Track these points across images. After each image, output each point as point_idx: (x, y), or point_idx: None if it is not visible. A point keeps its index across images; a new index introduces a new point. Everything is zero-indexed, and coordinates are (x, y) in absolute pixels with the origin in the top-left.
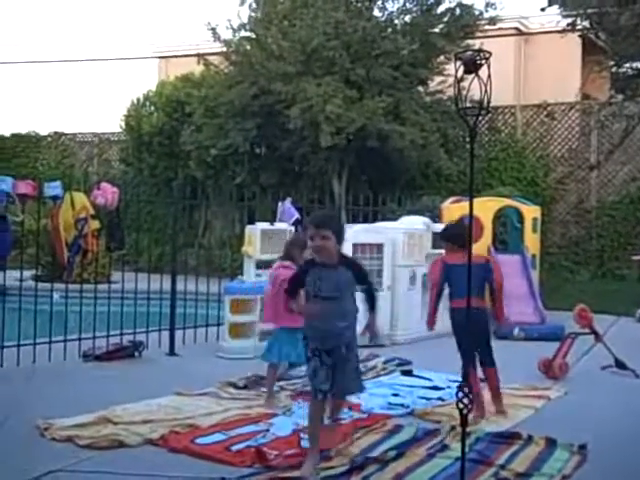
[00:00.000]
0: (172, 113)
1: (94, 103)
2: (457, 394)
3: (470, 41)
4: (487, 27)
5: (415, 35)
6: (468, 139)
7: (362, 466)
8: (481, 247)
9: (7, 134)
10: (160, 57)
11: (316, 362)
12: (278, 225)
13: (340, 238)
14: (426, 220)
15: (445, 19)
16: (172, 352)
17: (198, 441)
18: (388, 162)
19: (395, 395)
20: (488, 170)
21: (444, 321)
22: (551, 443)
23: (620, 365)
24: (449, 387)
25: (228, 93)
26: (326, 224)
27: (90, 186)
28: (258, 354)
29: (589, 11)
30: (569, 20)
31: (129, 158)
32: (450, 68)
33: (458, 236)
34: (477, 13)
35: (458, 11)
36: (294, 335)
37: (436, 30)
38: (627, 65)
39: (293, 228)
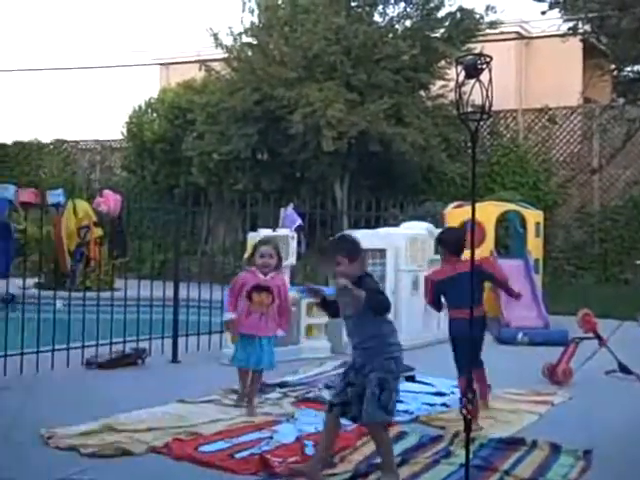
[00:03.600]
0: (174, 120)
1: (96, 110)
2: (461, 400)
3: (471, 45)
4: (488, 31)
5: (416, 39)
6: (470, 144)
7: (366, 473)
8: (484, 252)
9: (9, 142)
10: (161, 64)
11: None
12: (280, 231)
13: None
14: (428, 225)
15: (446, 23)
16: (175, 359)
17: (202, 449)
18: (390, 167)
19: (399, 401)
20: (490, 175)
21: (446, 328)
22: (555, 449)
23: (624, 370)
24: (453, 393)
25: (230, 99)
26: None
27: (92, 193)
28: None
29: (590, 15)
30: (570, 24)
31: (131, 165)
32: (451, 72)
33: (451, 243)
34: (478, 17)
35: (459, 15)
36: None
37: (437, 34)
38: (628, 69)
39: (295, 234)
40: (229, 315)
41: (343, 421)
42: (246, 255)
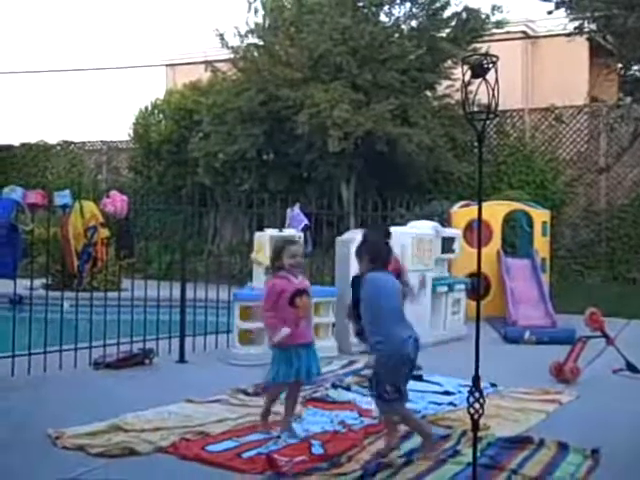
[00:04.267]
0: (180, 121)
1: (102, 111)
2: (468, 399)
3: (477, 45)
4: (494, 31)
5: (422, 40)
6: (476, 143)
7: (374, 472)
8: (491, 251)
9: (16, 144)
10: (168, 65)
11: None
12: (287, 231)
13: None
14: (435, 225)
15: (452, 23)
16: (182, 359)
17: (209, 448)
18: (396, 167)
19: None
20: (497, 174)
21: (453, 327)
22: (563, 447)
23: (632, 368)
24: (460, 392)
25: (236, 100)
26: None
27: (99, 194)
28: (268, 361)
29: (596, 14)
30: (576, 23)
31: (138, 166)
32: (457, 72)
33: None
34: (484, 17)
35: (464, 15)
36: None
37: (443, 34)
38: (635, 67)
39: (302, 234)
40: (285, 330)
41: (350, 421)
42: (253, 254)
